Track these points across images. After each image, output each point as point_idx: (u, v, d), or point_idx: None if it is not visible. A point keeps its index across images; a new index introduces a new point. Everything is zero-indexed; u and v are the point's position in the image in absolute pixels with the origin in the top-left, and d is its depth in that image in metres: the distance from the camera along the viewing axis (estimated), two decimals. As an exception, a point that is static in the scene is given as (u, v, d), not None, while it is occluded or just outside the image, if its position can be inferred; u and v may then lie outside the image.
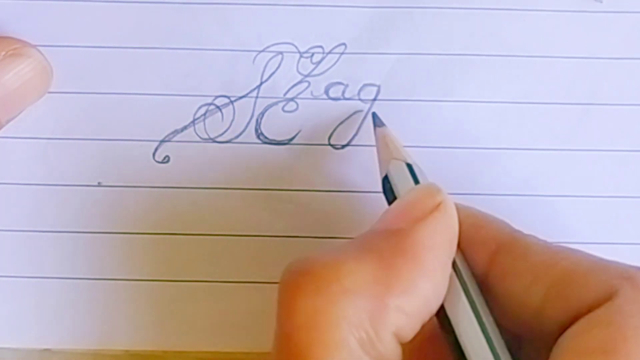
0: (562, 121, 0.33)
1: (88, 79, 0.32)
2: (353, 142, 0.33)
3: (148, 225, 0.33)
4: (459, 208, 0.27)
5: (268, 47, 0.32)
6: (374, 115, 0.32)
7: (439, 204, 0.26)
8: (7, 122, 0.31)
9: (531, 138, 0.33)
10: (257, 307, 0.33)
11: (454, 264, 0.26)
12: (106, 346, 0.33)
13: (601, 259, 0.26)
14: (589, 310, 0.24)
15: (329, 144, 0.33)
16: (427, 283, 0.25)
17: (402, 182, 0.28)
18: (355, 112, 0.33)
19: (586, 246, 0.32)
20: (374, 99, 0.33)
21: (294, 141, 0.33)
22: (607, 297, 0.24)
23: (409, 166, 0.29)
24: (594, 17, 0.33)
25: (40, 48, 0.32)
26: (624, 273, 0.25)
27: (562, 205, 0.33)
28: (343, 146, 0.33)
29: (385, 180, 0.29)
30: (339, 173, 0.33)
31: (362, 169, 0.32)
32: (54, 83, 0.32)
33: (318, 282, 0.24)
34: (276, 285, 0.32)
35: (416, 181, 0.28)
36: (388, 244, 0.25)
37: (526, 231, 0.28)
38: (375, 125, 0.31)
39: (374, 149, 0.32)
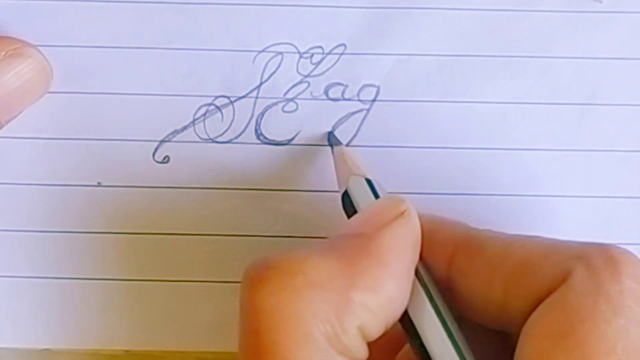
0: (562, 121, 0.33)
1: (88, 79, 0.32)
2: (353, 143, 0.33)
3: (148, 225, 0.33)
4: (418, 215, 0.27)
5: (268, 47, 0.32)
6: (330, 134, 0.32)
7: (402, 212, 0.26)
8: (7, 122, 0.31)
9: (531, 138, 0.33)
10: (257, 307, 0.33)
11: (416, 271, 0.26)
12: (106, 346, 0.33)
13: (556, 242, 0.26)
14: (548, 294, 0.24)
15: (329, 144, 0.33)
16: (391, 283, 0.25)
17: (362, 196, 0.29)
18: (355, 113, 0.33)
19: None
20: (374, 100, 0.33)
21: (293, 141, 0.33)
22: (562, 279, 0.24)
23: (368, 181, 0.29)
24: (594, 17, 0.32)
25: (40, 48, 0.32)
26: (578, 253, 0.25)
27: (562, 205, 0.33)
28: (343, 146, 0.33)
29: (345, 196, 0.29)
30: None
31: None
32: (54, 83, 0.32)
33: (282, 276, 0.24)
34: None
35: (376, 195, 0.29)
36: (353, 244, 0.25)
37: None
38: (331, 144, 0.32)
39: (374, 149, 0.32)
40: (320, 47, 0.32)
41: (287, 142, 0.33)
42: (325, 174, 0.33)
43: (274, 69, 0.32)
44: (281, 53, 0.32)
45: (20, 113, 0.32)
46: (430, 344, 0.25)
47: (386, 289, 0.25)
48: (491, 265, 0.26)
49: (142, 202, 0.33)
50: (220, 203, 0.33)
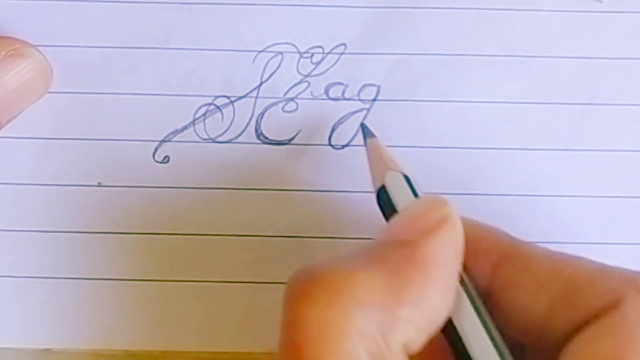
0: (562, 121, 0.33)
1: (88, 79, 0.32)
2: (353, 143, 0.33)
3: (148, 226, 0.33)
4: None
5: (268, 47, 0.32)
6: (363, 126, 0.32)
7: (446, 216, 0.26)
8: (7, 122, 0.31)
9: (531, 138, 0.33)
10: (257, 307, 0.33)
11: (460, 277, 0.26)
12: (106, 346, 0.33)
13: (605, 266, 0.26)
14: (595, 318, 0.24)
15: (329, 144, 0.33)
16: (436, 295, 0.25)
17: (400, 194, 0.28)
18: (355, 112, 0.33)
19: (586, 246, 0.32)
20: (374, 99, 0.33)
21: (294, 141, 0.33)
22: (613, 305, 0.24)
23: (406, 177, 0.29)
24: (594, 17, 0.33)
25: (40, 48, 0.32)
26: (629, 280, 0.25)
27: (562, 205, 0.33)
28: (343, 146, 0.33)
29: (382, 191, 0.29)
30: (338, 173, 0.33)
31: (362, 169, 0.32)
32: (54, 83, 0.32)
33: (329, 293, 0.24)
34: (276, 285, 0.33)
35: (414, 193, 0.28)
36: (398, 255, 0.25)
37: (527, 232, 0.28)
38: (365, 136, 0.31)
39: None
40: (320, 46, 0.32)
41: (288, 142, 0.33)
42: (325, 174, 0.33)
43: (274, 69, 0.32)
44: (281, 53, 0.32)
45: (20, 113, 0.32)
46: (474, 353, 0.25)
47: (431, 302, 0.25)
48: (538, 281, 0.26)
49: (142, 202, 0.33)
50: (220, 203, 0.33)
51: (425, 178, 0.31)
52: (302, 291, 0.24)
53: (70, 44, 0.32)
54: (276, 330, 0.32)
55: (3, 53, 0.31)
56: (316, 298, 0.24)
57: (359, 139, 0.32)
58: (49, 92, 0.32)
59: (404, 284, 0.24)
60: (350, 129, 0.33)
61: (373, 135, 0.31)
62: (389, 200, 0.28)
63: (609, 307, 0.24)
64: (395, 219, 0.27)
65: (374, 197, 0.32)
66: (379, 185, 0.29)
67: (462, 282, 0.26)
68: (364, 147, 0.32)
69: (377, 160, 0.30)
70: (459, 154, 0.33)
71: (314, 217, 0.33)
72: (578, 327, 0.25)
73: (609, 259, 0.26)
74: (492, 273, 0.27)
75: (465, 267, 0.27)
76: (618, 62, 0.33)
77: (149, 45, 0.32)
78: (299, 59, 0.32)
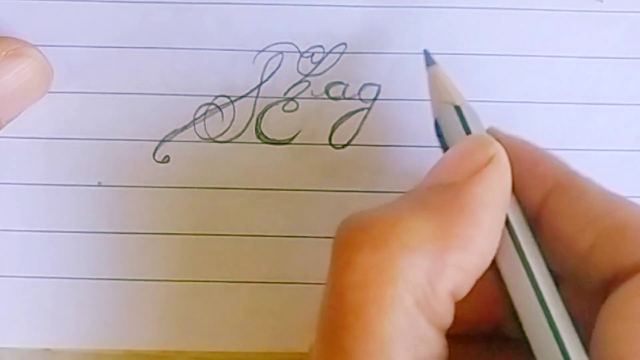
0: (562, 121, 0.33)
1: (88, 78, 0.32)
2: (353, 142, 0.33)
3: (148, 225, 0.33)
4: (516, 143, 0.26)
5: (268, 46, 0.32)
6: (425, 52, 0.31)
7: (492, 157, 0.26)
8: (8, 122, 0.31)
9: (531, 138, 0.32)
10: (258, 307, 0.33)
11: (507, 218, 0.26)
12: (106, 346, 0.33)
13: None
14: (636, 267, 0.24)
15: (330, 144, 0.33)
16: (483, 239, 0.24)
17: (451, 128, 0.28)
18: (355, 112, 0.33)
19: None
20: (375, 99, 0.33)
21: (294, 141, 0.33)
22: None
23: (458, 109, 0.28)
24: (594, 17, 0.33)
25: (40, 48, 0.32)
26: None
27: (562, 204, 0.33)
28: (343, 146, 0.33)
29: (437, 125, 0.28)
30: (339, 173, 0.33)
31: (362, 169, 0.32)
32: (54, 83, 0.32)
33: (376, 239, 0.24)
34: (276, 284, 0.33)
35: (465, 126, 0.28)
36: (443, 199, 0.25)
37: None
38: (427, 64, 0.30)
39: (375, 148, 0.32)
40: (320, 46, 0.32)
41: (288, 142, 0.33)
42: (325, 174, 0.33)
43: (274, 69, 0.32)
44: (281, 52, 0.32)
45: (20, 113, 0.32)
46: (516, 299, 0.25)
47: (479, 246, 0.24)
48: (587, 215, 0.25)
49: (143, 201, 0.33)
50: (220, 203, 0.33)
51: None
52: (349, 238, 0.24)
53: (71, 43, 0.32)
54: (276, 330, 0.33)
55: (3, 53, 0.31)
56: (363, 245, 0.23)
57: (360, 138, 0.32)
58: (49, 92, 0.32)
59: (451, 228, 0.24)
60: (350, 128, 0.33)
61: (434, 62, 0.30)
62: (441, 135, 0.28)
63: None
64: (440, 161, 0.27)
65: (374, 196, 0.32)
66: (435, 116, 0.29)
67: (508, 223, 0.26)
68: (364, 147, 0.32)
69: (434, 92, 0.29)
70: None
71: (314, 217, 0.33)
72: (616, 273, 0.24)
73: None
74: (544, 199, 0.26)
75: (517, 193, 0.26)
76: (618, 61, 0.33)
77: (149, 45, 0.32)
78: (300, 59, 0.32)
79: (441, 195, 0.25)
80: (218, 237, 0.33)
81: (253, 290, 0.33)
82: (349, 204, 0.33)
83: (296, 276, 0.32)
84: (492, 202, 0.25)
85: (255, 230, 0.33)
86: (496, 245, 0.25)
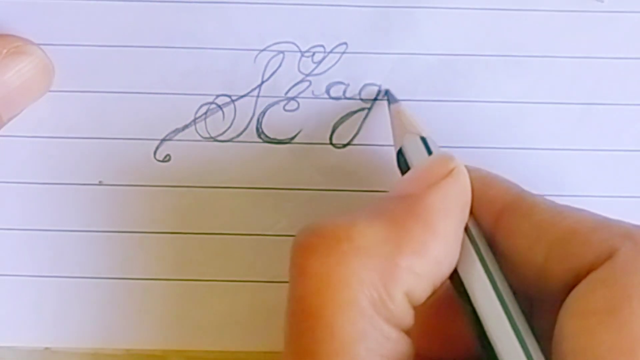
0: (562, 120, 0.33)
1: (89, 77, 0.32)
2: (354, 142, 0.33)
3: (148, 224, 0.33)
4: (469, 169, 0.27)
5: (269, 46, 0.32)
6: (387, 92, 0.32)
7: (451, 170, 0.26)
8: (9, 120, 0.31)
9: (532, 137, 0.33)
10: (258, 306, 0.33)
11: (466, 229, 0.26)
12: (106, 345, 0.33)
13: (605, 218, 0.26)
14: (591, 269, 0.24)
15: (330, 143, 0.33)
16: (438, 245, 0.25)
17: (415, 154, 0.28)
18: (356, 112, 0.33)
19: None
20: (375, 99, 0.33)
21: (295, 140, 0.33)
22: (608, 256, 0.24)
23: (423, 139, 0.29)
24: (595, 17, 0.33)
25: (42, 46, 0.32)
26: (626, 231, 0.25)
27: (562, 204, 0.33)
28: (344, 145, 0.33)
29: (400, 154, 0.29)
30: (340, 172, 0.33)
31: (363, 168, 0.33)
32: (56, 81, 0.32)
33: (329, 242, 0.24)
34: (277, 284, 0.33)
35: (430, 153, 0.28)
36: (400, 207, 0.25)
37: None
38: (389, 102, 0.32)
39: (375, 148, 0.32)
40: (321, 45, 0.32)
41: (289, 141, 0.33)
42: (326, 173, 0.33)
43: (275, 68, 0.32)
44: (282, 52, 0.32)
45: (21, 111, 0.32)
46: (479, 304, 0.25)
47: (433, 252, 0.25)
48: (537, 229, 0.26)
49: (143, 200, 0.33)
50: (221, 202, 0.33)
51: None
52: (304, 243, 0.25)
53: (72, 42, 0.32)
54: (277, 330, 0.33)
55: (5, 51, 0.31)
56: (317, 249, 0.24)
57: (360, 138, 0.33)
58: (51, 91, 0.32)
59: (405, 234, 0.25)
60: (351, 128, 0.33)
61: (396, 100, 0.31)
62: (406, 162, 0.29)
63: (604, 258, 0.24)
64: (402, 177, 0.27)
65: (375, 196, 0.32)
66: (397, 148, 0.29)
67: (469, 234, 0.26)
68: (365, 146, 0.32)
69: (397, 125, 0.30)
70: (460, 154, 0.32)
71: (314, 216, 0.33)
72: (574, 278, 0.25)
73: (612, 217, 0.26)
74: (496, 221, 0.27)
75: (473, 216, 0.27)
76: (618, 61, 0.33)
77: (150, 44, 0.32)
78: (300, 58, 0.32)
79: (398, 204, 0.26)
80: (218, 236, 0.33)
81: (253, 289, 0.33)
82: (349, 203, 0.33)
83: (297, 275, 0.32)
84: (449, 211, 0.26)
85: (256, 229, 0.33)
86: (454, 254, 0.26)
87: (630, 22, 0.33)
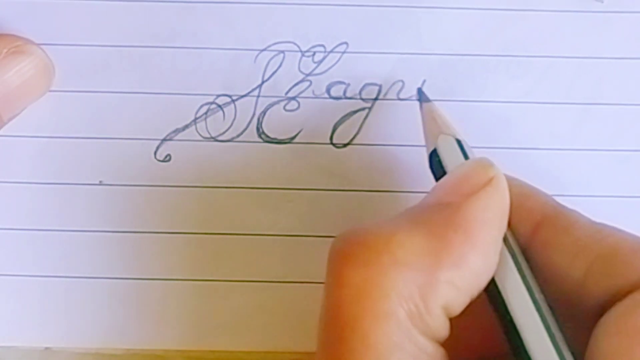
0: (563, 120, 0.33)
1: (90, 77, 0.32)
2: (354, 141, 0.33)
3: (149, 224, 0.33)
4: (507, 179, 0.27)
5: (269, 46, 0.32)
6: (420, 90, 0.32)
7: (491, 179, 0.26)
8: (9, 120, 0.31)
9: (532, 137, 0.33)
10: (258, 306, 0.33)
11: (505, 239, 0.26)
12: (107, 345, 0.33)
13: None
14: (632, 289, 0.24)
15: (331, 143, 0.33)
16: (478, 257, 0.25)
17: (451, 157, 0.28)
18: (356, 111, 0.33)
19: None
20: (376, 99, 0.33)
21: (295, 140, 0.33)
22: None
23: (458, 141, 0.29)
24: (595, 17, 0.33)
25: (42, 46, 0.32)
26: None
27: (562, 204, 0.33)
28: (344, 145, 0.33)
29: (434, 155, 0.29)
30: (340, 172, 0.33)
31: (363, 168, 0.33)
32: (56, 81, 0.32)
33: (369, 253, 0.24)
34: (277, 284, 0.33)
35: (466, 157, 0.28)
36: (439, 216, 0.25)
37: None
38: (421, 100, 0.31)
39: (375, 148, 0.32)
40: (322, 45, 0.32)
41: (289, 141, 0.33)
42: (326, 173, 0.33)
43: (275, 68, 0.32)
44: (283, 52, 0.32)
45: (22, 111, 0.32)
46: (516, 315, 0.25)
47: (472, 264, 0.25)
48: (578, 245, 0.26)
49: (144, 200, 0.33)
50: (221, 202, 0.33)
51: (426, 178, 0.31)
52: (343, 252, 0.24)
53: (72, 42, 0.32)
54: (277, 330, 0.33)
55: (5, 50, 0.31)
56: (356, 258, 0.24)
57: (361, 137, 0.33)
58: (51, 90, 0.32)
59: (445, 245, 0.24)
60: (351, 127, 0.33)
61: (428, 100, 0.31)
62: (440, 163, 0.28)
63: None
64: (440, 182, 0.27)
65: (375, 195, 0.32)
66: (431, 148, 0.29)
67: (507, 243, 0.26)
68: (365, 146, 0.32)
69: (431, 124, 0.30)
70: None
71: (315, 216, 0.33)
72: (612, 297, 0.24)
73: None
74: (533, 233, 0.26)
75: (509, 226, 0.27)
76: (619, 62, 0.33)
77: (151, 44, 0.32)
78: (301, 58, 0.32)
79: (438, 214, 0.25)
80: (219, 236, 0.33)
81: (254, 289, 0.33)
82: (350, 203, 0.33)
83: (297, 275, 0.32)
84: (488, 222, 0.25)
85: (256, 229, 0.33)
86: (492, 265, 0.25)
87: (630, 22, 0.33)
